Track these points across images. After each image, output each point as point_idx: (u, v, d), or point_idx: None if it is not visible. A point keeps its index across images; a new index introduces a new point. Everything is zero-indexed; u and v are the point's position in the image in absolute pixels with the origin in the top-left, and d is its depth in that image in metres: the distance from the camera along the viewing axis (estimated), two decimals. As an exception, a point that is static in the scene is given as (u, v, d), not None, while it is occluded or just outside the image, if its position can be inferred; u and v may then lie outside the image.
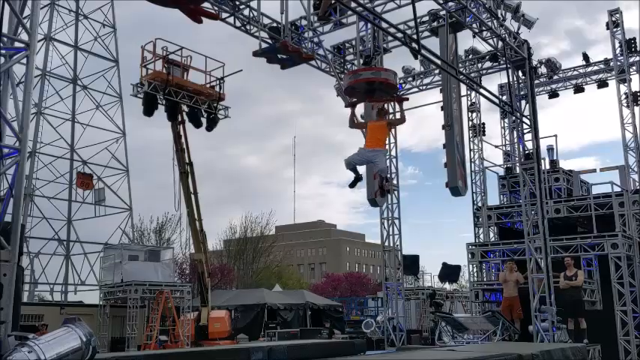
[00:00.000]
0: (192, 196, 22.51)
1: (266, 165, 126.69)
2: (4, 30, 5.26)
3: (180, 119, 21.43)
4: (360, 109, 11.47)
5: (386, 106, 11.68)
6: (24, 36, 5.58)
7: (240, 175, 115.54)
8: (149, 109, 19.78)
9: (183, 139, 22.02)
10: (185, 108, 20.77)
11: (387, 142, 10.87)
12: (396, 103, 12.17)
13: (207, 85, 21.05)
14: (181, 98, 20.06)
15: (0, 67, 4.99)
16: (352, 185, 10.37)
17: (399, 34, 11.05)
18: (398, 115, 12.77)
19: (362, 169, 10.53)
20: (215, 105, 20.99)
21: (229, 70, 21.11)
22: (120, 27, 38.62)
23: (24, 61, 5.32)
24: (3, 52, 5.19)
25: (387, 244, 16.87)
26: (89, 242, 35.82)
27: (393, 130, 16.83)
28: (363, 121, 10.47)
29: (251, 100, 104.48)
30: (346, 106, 11.17)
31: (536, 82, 21.14)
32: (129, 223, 36.91)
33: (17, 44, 5.38)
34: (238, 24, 12.99)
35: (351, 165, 9.97)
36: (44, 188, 34.27)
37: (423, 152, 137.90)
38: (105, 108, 36.76)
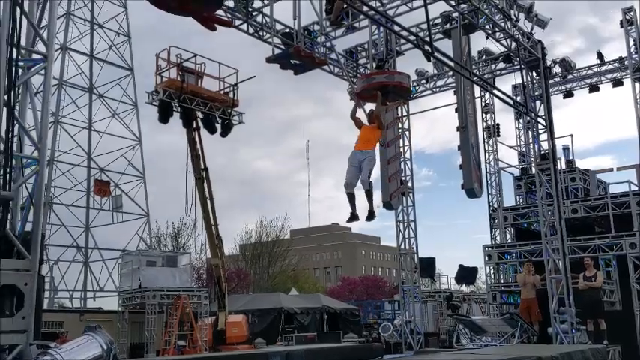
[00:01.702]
0: (208, 202, 22.62)
1: (279, 169, 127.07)
2: (22, 42, 5.36)
3: (195, 126, 21.57)
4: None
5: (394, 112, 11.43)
6: (41, 47, 5.69)
7: (254, 179, 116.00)
8: (164, 117, 19.95)
9: (198, 146, 22.16)
10: (200, 114, 20.90)
11: (377, 145, 10.34)
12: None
13: (221, 92, 21.17)
14: (196, 105, 20.20)
15: (19, 78, 5.07)
16: (349, 221, 9.89)
17: (412, 37, 11.04)
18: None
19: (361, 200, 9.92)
20: (229, 111, 21.12)
21: (242, 75, 21.23)
22: (134, 34, 39.01)
23: (42, 71, 5.45)
24: (21, 63, 5.28)
25: (402, 246, 16.83)
26: (107, 249, 36.20)
27: (407, 134, 16.84)
28: (363, 119, 10.20)
29: (263, 104, 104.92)
30: (355, 93, 11.03)
31: (551, 81, 20.97)
32: (146, 229, 37.23)
33: (35, 56, 5.48)
34: (251, 30, 13.05)
35: (349, 188, 9.41)
36: (62, 196, 34.69)
37: (437, 154, 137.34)
38: (121, 116, 37.17)
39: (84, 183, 35.96)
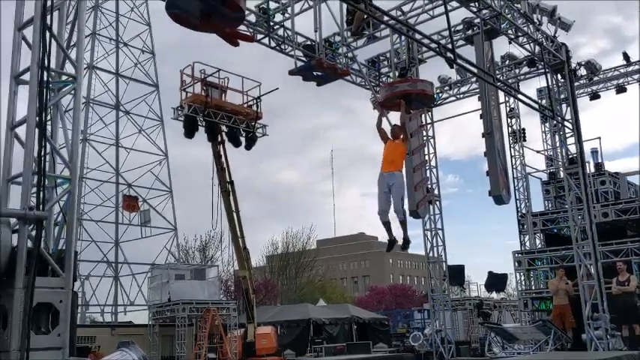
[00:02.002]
0: (234, 214, 22.76)
1: (303, 179, 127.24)
2: (52, 64, 5.49)
3: (219, 139, 21.76)
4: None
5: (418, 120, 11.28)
6: (70, 68, 5.82)
7: (279, 190, 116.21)
8: (190, 131, 20.17)
9: (223, 159, 22.34)
10: (224, 128, 21.09)
11: (403, 163, 10.14)
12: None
13: (245, 105, 21.35)
14: (220, 119, 20.39)
15: (49, 100, 5.20)
16: (388, 249, 9.88)
17: (434, 45, 11.02)
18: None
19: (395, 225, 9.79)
20: (253, 124, 21.26)
21: (265, 88, 21.39)
22: (158, 51, 39.65)
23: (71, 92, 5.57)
24: (51, 85, 5.41)
25: (431, 255, 16.71)
26: (137, 263, 36.62)
27: (432, 141, 16.77)
28: (387, 131, 10.08)
29: (286, 116, 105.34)
30: (378, 103, 10.95)
31: (576, 84, 20.73)
32: (174, 243, 37.63)
33: (64, 77, 5.60)
34: (273, 44, 13.18)
35: (383, 216, 9.28)
36: (92, 212, 35.26)
37: (463, 160, 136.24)
38: (147, 131, 37.74)
39: (112, 199, 36.53)
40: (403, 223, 9.38)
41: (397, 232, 9.62)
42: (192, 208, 70.10)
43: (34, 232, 5.00)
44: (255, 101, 21.40)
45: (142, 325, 27.36)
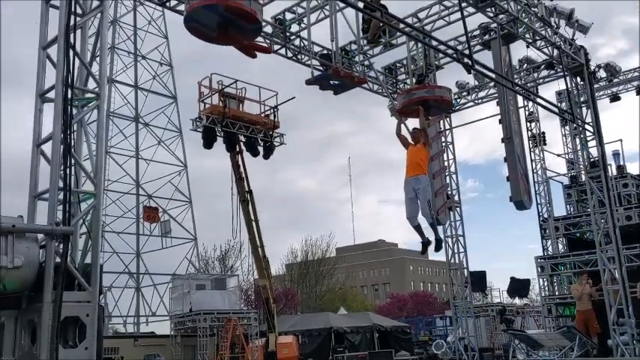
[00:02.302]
0: (254, 224, 22.85)
1: (321, 187, 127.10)
2: (76, 81, 5.59)
3: (238, 149, 21.89)
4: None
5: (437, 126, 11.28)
6: (92, 83, 5.93)
7: (296, 198, 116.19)
8: (209, 142, 20.29)
9: (241, 169, 22.47)
10: (242, 138, 21.20)
11: (427, 167, 10.10)
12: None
13: (262, 115, 21.46)
14: (238, 129, 20.49)
15: (73, 117, 5.29)
16: (423, 251, 9.81)
17: (451, 51, 11.00)
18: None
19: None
20: (270, 133, 21.35)
21: (282, 97, 21.49)
22: (176, 62, 40.07)
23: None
24: (75, 103, 5.50)
25: (452, 261, 16.61)
26: (158, 274, 36.92)
27: (451, 147, 16.72)
28: (408, 137, 10.06)
29: (302, 123, 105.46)
30: (396, 111, 10.93)
31: (596, 86, 20.50)
32: (194, 253, 37.88)
33: (88, 94, 5.70)
34: (290, 54, 13.25)
35: (412, 221, 9.27)
36: (113, 224, 35.66)
37: (482, 164, 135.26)
38: (166, 143, 38.14)
39: (133, 210, 36.91)
40: (433, 226, 9.44)
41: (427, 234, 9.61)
42: (211, 218, 70.51)
43: (60, 247, 5.07)
44: (272, 111, 21.51)
45: (164, 335, 27.56)
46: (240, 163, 22.41)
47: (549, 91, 21.20)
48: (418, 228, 9.35)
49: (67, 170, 5.06)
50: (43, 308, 4.80)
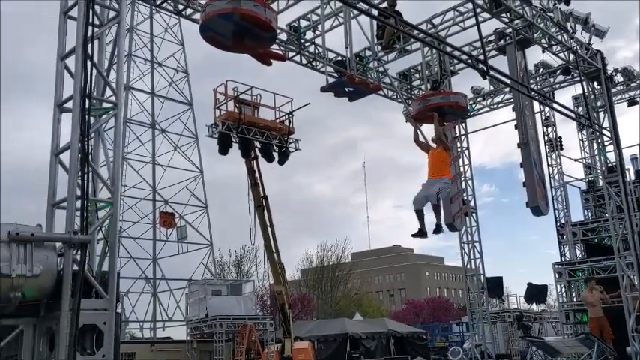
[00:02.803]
0: (269, 229, 22.89)
1: (336, 192, 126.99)
2: (93, 91, 5.67)
3: (253, 155, 21.97)
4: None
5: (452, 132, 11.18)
6: (110, 92, 6.00)
7: (312, 203, 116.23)
8: (224, 148, 20.38)
9: (257, 174, 22.54)
10: (257, 144, 21.27)
11: (450, 168, 9.97)
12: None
13: (277, 121, 21.53)
14: (253, 135, 20.56)
15: (91, 127, 5.36)
16: (415, 235, 9.56)
17: (465, 57, 10.97)
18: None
19: (429, 220, 9.69)
20: (285, 139, 21.40)
21: (297, 102, 21.55)
22: (192, 69, 40.36)
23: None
24: (93, 112, 5.58)
25: (468, 267, 16.52)
26: (174, 279, 37.04)
27: (467, 152, 16.65)
28: (427, 141, 9.99)
29: (317, 129, 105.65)
30: (411, 117, 10.89)
31: (613, 90, 20.31)
32: (210, 258, 38.00)
33: (105, 103, 5.78)
34: (305, 61, 13.30)
35: (417, 204, 9.24)
36: (130, 229, 35.86)
37: (498, 169, 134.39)
38: (182, 149, 38.36)
39: (150, 216, 37.13)
40: (437, 208, 9.31)
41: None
42: (226, 223, 70.77)
43: (78, 255, 5.13)
44: (287, 117, 21.58)
45: (180, 340, 27.62)
46: (255, 169, 22.48)
47: (566, 95, 21.06)
48: (420, 213, 9.26)
49: (85, 179, 5.12)
50: (61, 316, 4.86)
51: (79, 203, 5.23)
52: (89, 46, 5.45)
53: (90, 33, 5.46)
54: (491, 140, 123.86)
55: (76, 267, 5.06)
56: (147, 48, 39.05)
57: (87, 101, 5.28)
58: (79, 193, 5.22)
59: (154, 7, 35.29)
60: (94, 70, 5.69)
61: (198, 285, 28.15)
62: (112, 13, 5.88)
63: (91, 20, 5.51)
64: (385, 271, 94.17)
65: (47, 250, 4.99)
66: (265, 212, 22.75)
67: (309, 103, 21.85)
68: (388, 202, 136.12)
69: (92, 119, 5.68)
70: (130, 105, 36.79)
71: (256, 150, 21.73)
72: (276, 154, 21.30)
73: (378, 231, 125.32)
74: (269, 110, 21.50)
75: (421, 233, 9.46)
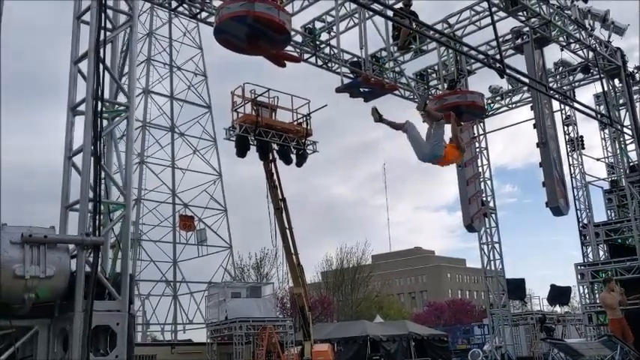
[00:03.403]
0: (288, 231, 22.93)
1: (356, 193, 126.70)
2: (106, 94, 5.72)
3: (271, 157, 22.02)
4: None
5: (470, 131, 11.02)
6: (123, 97, 6.04)
7: (331, 205, 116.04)
8: (242, 151, 20.44)
9: (275, 177, 22.59)
10: (275, 146, 21.30)
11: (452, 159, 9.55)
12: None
13: (295, 123, 21.55)
14: (271, 137, 20.59)
15: (103, 129, 5.40)
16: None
17: (482, 56, 10.87)
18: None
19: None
20: (303, 141, 21.40)
21: (315, 103, 21.56)
22: (211, 72, 40.58)
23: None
24: (105, 115, 5.62)
25: (488, 269, 16.34)
26: (194, 282, 37.24)
27: (485, 152, 16.48)
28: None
29: (336, 130, 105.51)
30: (424, 122, 10.55)
31: (635, 88, 19.98)
32: (230, 261, 38.13)
33: (118, 106, 5.82)
34: (320, 63, 13.29)
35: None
36: (150, 233, 36.15)
37: (520, 169, 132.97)
38: (201, 152, 38.55)
39: (170, 219, 37.35)
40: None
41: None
42: (246, 226, 71.00)
43: (91, 257, 5.17)
44: (304, 119, 21.59)
45: (200, 343, 27.72)
46: (273, 171, 22.55)
47: (587, 93, 20.75)
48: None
49: (97, 181, 5.16)
50: (75, 317, 4.90)
51: (91, 206, 5.27)
52: (101, 49, 5.49)
53: (102, 37, 5.51)
54: (512, 141, 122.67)
55: (88, 268, 5.10)
56: (166, 52, 39.39)
57: (99, 104, 5.31)
58: (91, 195, 5.25)
59: (172, 12, 35.58)
60: (108, 74, 5.74)
61: (217, 288, 28.26)
62: (124, 17, 5.92)
63: (103, 24, 5.55)
64: (406, 273, 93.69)
65: (60, 252, 5.03)
66: (284, 214, 22.80)
67: (326, 105, 21.85)
68: (409, 204, 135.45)
69: (105, 122, 5.72)
70: (150, 109, 37.12)
71: (274, 152, 21.78)
72: (294, 156, 21.32)
73: (399, 233, 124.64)
74: (287, 112, 21.57)
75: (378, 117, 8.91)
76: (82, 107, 5.46)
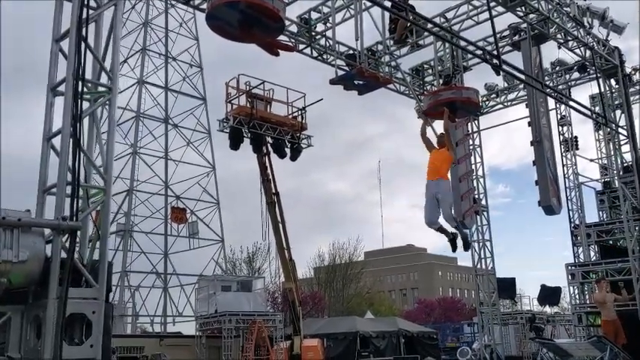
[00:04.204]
0: (280, 225, 22.78)
1: (351, 190, 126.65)
2: (89, 75, 5.53)
3: (265, 151, 21.84)
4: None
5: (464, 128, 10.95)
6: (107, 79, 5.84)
7: (327, 200, 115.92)
8: (235, 143, 20.21)
9: (268, 170, 22.43)
10: (269, 139, 21.10)
11: (448, 171, 9.68)
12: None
13: (290, 116, 21.35)
14: (265, 130, 20.37)
15: (84, 111, 5.22)
16: (453, 249, 9.25)
17: (479, 52, 10.72)
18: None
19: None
20: (298, 135, 21.21)
21: (309, 98, 21.36)
22: (206, 64, 40.30)
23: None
24: (87, 96, 5.44)
25: (479, 267, 16.25)
26: (185, 274, 37.07)
27: (479, 150, 16.36)
28: (433, 139, 9.74)
29: (333, 125, 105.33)
30: (422, 112, 10.64)
31: (632, 89, 19.89)
32: (221, 254, 37.96)
33: (100, 88, 5.64)
34: (315, 54, 13.12)
35: (432, 225, 8.98)
36: (142, 224, 35.95)
37: (514, 169, 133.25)
38: (195, 144, 38.33)
39: (162, 211, 37.15)
40: (458, 229, 9.12)
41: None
42: (237, 219, 70.81)
43: (68, 242, 4.99)
44: (299, 112, 21.40)
45: (190, 335, 27.62)
46: (267, 164, 22.38)
47: (583, 94, 20.59)
48: (440, 229, 9.05)
49: (76, 164, 4.98)
50: (49, 304, 4.73)
51: (70, 190, 5.08)
52: (84, 28, 5.30)
53: (85, 15, 5.32)
54: (507, 141, 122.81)
55: (65, 254, 4.92)
56: (161, 42, 39.12)
57: (80, 84, 5.13)
58: (70, 179, 5.06)
59: (169, 2, 35.32)
60: (91, 55, 5.55)
61: (207, 281, 28.14)
62: (110, -4, 5.72)
63: (86, 2, 5.36)
64: (398, 270, 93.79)
65: (35, 236, 4.84)
66: (277, 209, 22.64)
67: (322, 99, 21.69)
68: (403, 201, 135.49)
69: (87, 104, 5.54)
70: (144, 99, 36.85)
71: (268, 145, 21.59)
72: (288, 150, 21.11)
73: (393, 230, 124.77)
74: (282, 105, 21.36)
75: (454, 242, 9.21)
76: (63, 87, 5.26)
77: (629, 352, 13.26)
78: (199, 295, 28.23)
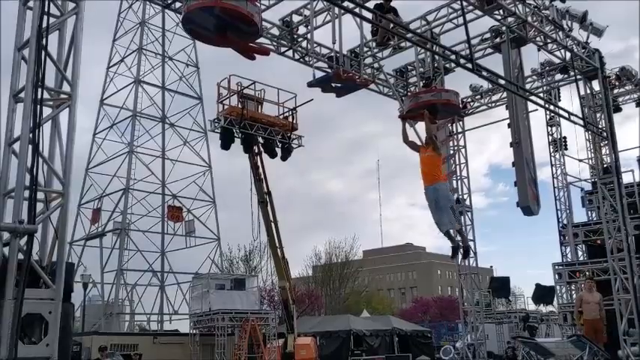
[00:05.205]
0: (272, 225, 22.96)
1: (350, 189, 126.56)
2: (52, 81, 5.71)
3: (256, 151, 22.00)
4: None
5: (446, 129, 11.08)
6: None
7: (325, 200, 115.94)
8: (226, 143, 20.36)
9: (260, 170, 22.60)
10: (260, 140, 21.25)
11: (444, 171, 9.82)
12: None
13: (281, 116, 21.49)
14: (256, 130, 20.50)
15: (44, 117, 5.38)
16: (452, 256, 9.64)
17: (453, 56, 10.87)
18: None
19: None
20: (289, 135, 21.34)
21: (305, 98, 21.50)
22: (204, 62, 40.43)
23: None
24: (50, 103, 5.61)
25: (461, 264, 16.41)
26: (181, 272, 37.28)
27: (463, 151, 16.49)
28: (417, 141, 9.87)
29: (332, 125, 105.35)
30: (399, 117, 10.77)
31: (621, 90, 20.00)
32: (217, 253, 38.16)
33: (62, 95, 5.81)
34: (297, 56, 13.24)
35: (441, 228, 9.11)
36: (138, 222, 36.14)
37: (513, 169, 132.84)
38: (191, 143, 38.51)
39: (158, 209, 37.34)
40: (460, 232, 9.30)
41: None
42: (234, 218, 70.94)
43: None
44: (290, 112, 21.54)
45: (185, 333, 27.81)
46: (259, 164, 22.55)
47: (574, 94, 20.60)
48: (447, 233, 9.25)
49: (35, 169, 5.15)
50: (5, 304, 4.90)
51: (29, 194, 5.25)
52: (45, 36, 5.46)
53: (46, 24, 5.48)
54: (507, 140, 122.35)
55: (22, 256, 5.09)
56: (158, 42, 39.26)
57: (40, 92, 5.30)
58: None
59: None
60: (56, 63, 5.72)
61: (201, 279, 28.35)
62: (72, 5, 5.89)
63: (47, 10, 5.52)
64: (397, 269, 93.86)
65: (-8, 239, 5.02)
66: (269, 208, 22.82)
67: (312, 100, 21.77)
68: (402, 200, 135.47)
69: (50, 110, 5.71)
70: (141, 99, 37.02)
71: (259, 145, 21.74)
72: (279, 150, 21.26)
73: (391, 229, 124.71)
74: (273, 106, 21.49)
75: (455, 251, 9.47)
76: (23, 94, 5.44)
77: (608, 350, 13.42)
78: (194, 293, 28.46)
